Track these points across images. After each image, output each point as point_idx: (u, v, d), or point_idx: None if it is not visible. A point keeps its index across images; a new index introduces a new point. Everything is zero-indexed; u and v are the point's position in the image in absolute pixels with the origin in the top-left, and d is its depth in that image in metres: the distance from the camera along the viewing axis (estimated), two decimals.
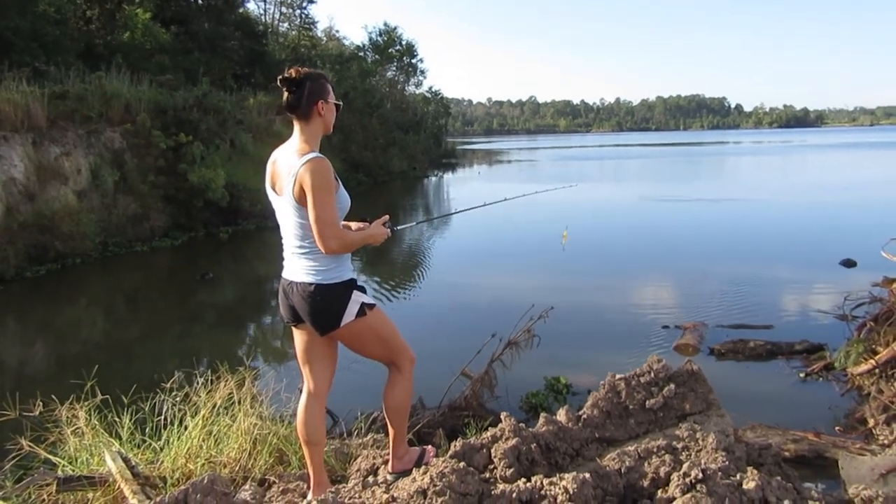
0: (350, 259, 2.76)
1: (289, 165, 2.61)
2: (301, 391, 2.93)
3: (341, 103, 2.83)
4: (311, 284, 2.64)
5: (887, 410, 4.84)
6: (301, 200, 2.57)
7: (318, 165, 2.54)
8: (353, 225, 2.88)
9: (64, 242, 11.69)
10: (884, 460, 3.47)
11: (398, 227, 3.11)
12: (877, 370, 5.38)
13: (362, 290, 2.75)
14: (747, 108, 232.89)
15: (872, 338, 5.82)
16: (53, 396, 3.41)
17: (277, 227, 2.78)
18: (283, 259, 2.80)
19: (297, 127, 2.69)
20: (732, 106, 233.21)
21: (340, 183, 2.68)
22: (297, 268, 2.69)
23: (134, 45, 21.58)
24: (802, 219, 16.51)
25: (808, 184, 26.49)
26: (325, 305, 2.65)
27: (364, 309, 2.70)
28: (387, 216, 2.94)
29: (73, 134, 13.50)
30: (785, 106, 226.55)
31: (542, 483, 2.60)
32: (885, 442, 4.44)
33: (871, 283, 7.89)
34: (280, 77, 2.65)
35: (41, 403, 3.30)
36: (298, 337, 2.84)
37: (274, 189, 2.73)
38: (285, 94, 2.66)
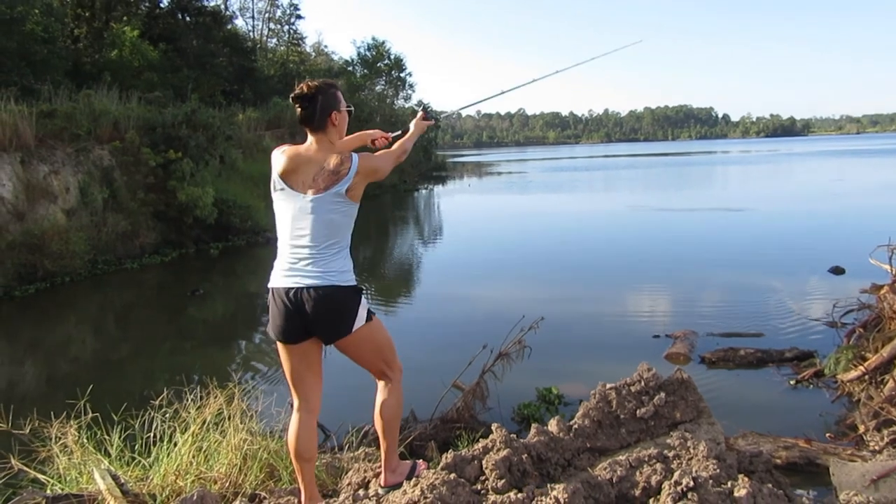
0: None
1: (333, 169, 2.64)
2: (292, 407, 2.89)
3: (353, 108, 2.86)
4: (330, 286, 2.61)
5: (877, 416, 4.87)
6: (352, 195, 2.65)
7: (364, 154, 2.71)
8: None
9: (53, 261, 11.60)
10: (874, 466, 3.48)
11: (443, 115, 3.30)
12: (866, 376, 5.41)
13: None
14: (734, 118, 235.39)
15: (862, 344, 5.86)
16: (43, 415, 3.39)
17: (270, 239, 2.78)
18: (275, 270, 2.73)
19: (312, 137, 2.72)
20: (720, 116, 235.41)
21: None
22: (310, 272, 2.61)
23: (122, 63, 21.58)
24: (790, 227, 16.61)
25: (794, 192, 26.69)
26: (343, 308, 2.64)
27: (370, 315, 2.73)
28: (421, 111, 3.28)
29: (61, 152, 13.45)
30: (772, 115, 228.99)
31: (533, 494, 2.60)
32: (876, 447, 4.46)
33: (860, 289, 7.94)
34: (292, 95, 2.69)
35: (31, 422, 3.27)
36: (292, 353, 2.73)
37: (292, 186, 2.67)
38: (298, 110, 2.68)
